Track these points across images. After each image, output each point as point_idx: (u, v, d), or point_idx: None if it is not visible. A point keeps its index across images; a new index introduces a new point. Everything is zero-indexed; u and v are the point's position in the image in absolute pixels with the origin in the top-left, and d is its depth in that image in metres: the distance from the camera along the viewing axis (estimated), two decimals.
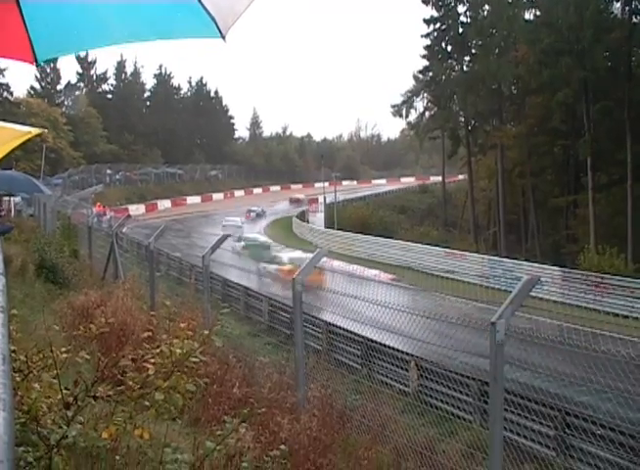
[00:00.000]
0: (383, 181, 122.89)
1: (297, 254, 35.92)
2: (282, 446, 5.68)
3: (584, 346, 7.60)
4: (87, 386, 4.34)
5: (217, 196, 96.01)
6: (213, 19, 2.78)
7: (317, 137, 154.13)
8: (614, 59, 54.69)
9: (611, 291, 31.71)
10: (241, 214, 69.63)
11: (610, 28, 52.31)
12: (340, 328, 15.41)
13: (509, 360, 7.48)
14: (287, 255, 36.92)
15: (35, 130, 7.23)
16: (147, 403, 4.46)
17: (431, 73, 73.74)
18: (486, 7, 67.88)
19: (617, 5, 55.79)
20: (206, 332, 4.94)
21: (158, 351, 4.62)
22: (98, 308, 10.01)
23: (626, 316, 27.10)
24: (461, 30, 69.95)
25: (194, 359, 4.60)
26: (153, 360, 4.57)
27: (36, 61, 3.10)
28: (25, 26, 2.95)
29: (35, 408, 3.97)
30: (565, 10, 53.26)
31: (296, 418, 7.30)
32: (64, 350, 4.62)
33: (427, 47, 71.99)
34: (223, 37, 2.82)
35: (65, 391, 4.25)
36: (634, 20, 54.08)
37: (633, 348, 8.29)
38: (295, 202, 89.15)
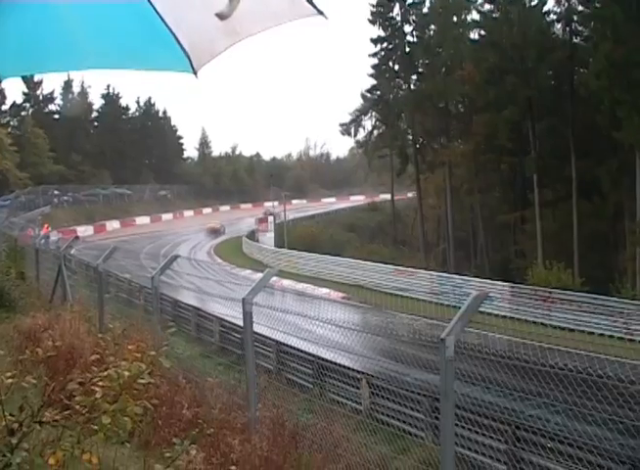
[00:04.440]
0: (332, 200, 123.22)
1: None
2: (233, 468, 5.63)
3: (533, 360, 7.69)
4: (33, 411, 4.25)
5: (167, 216, 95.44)
6: (187, 55, 2.76)
7: (266, 156, 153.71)
8: (557, 78, 56.14)
9: (558, 305, 32.18)
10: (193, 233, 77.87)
11: (552, 48, 53.65)
12: (291, 347, 15.37)
13: (459, 377, 7.53)
14: None
15: None
16: (95, 427, 4.38)
17: (378, 92, 74.47)
18: (433, 27, 68.87)
19: (559, 26, 57.34)
20: (154, 353, 4.88)
21: (105, 374, 4.55)
22: (45, 332, 9.83)
23: (572, 330, 27.52)
24: (408, 50, 70.86)
25: (142, 381, 4.54)
26: (101, 384, 4.50)
27: None
28: None
29: None
30: (509, 30, 54.52)
31: (247, 439, 7.24)
32: (9, 374, 4.52)
33: (374, 66, 72.72)
34: (195, 73, 2.81)
35: (9, 417, 4.15)
36: (575, 40, 55.57)
37: (580, 360, 8.42)
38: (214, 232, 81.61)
